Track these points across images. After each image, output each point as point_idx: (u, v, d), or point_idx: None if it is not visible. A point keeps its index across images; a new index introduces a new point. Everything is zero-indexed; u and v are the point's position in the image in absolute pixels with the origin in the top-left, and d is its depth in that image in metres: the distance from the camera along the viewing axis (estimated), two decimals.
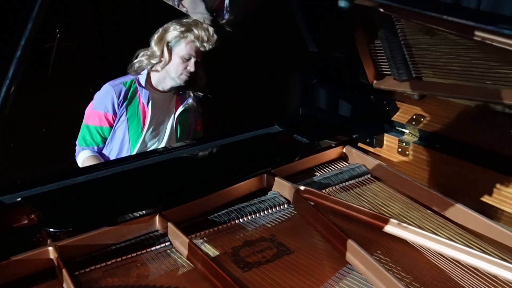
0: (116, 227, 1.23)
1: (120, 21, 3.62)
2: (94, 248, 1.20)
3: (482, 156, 1.45)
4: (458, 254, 1.17)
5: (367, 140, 1.74)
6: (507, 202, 1.40)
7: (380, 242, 1.25)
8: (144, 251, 1.22)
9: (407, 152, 1.65)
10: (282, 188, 1.46)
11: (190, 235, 1.24)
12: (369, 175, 1.57)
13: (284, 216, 1.38)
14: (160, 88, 2.16)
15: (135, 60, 2.14)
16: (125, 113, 2.09)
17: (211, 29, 2.05)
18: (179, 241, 1.22)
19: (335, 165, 1.65)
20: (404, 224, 1.26)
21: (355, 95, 1.86)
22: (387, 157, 1.72)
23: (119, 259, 1.19)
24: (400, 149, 1.68)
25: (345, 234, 1.20)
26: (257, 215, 1.38)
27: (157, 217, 1.29)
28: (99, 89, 2.12)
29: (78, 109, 2.18)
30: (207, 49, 2.08)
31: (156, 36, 2.10)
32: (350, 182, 1.54)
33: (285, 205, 1.42)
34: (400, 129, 1.71)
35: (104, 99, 2.08)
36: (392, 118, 1.73)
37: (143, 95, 2.11)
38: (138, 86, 2.11)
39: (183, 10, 1.91)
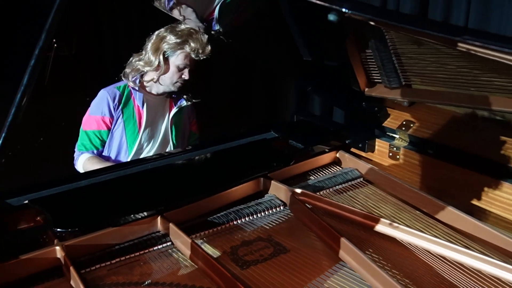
0: (120, 228, 1.28)
1: (117, 31, 3.67)
2: (99, 247, 1.25)
3: (469, 159, 1.52)
4: (444, 251, 1.23)
5: (360, 145, 1.80)
6: (493, 204, 1.47)
7: (372, 241, 1.31)
8: (147, 250, 1.27)
9: (398, 157, 1.72)
10: (278, 191, 1.52)
11: (190, 235, 1.29)
12: (361, 179, 1.64)
13: (280, 218, 1.44)
14: (154, 92, 2.21)
15: (130, 67, 2.19)
16: (121, 116, 2.14)
17: (205, 39, 2.11)
18: (180, 241, 1.27)
19: (329, 169, 1.71)
20: (395, 224, 1.32)
21: (348, 102, 1.92)
22: (379, 161, 1.78)
23: (123, 258, 1.24)
24: (391, 154, 1.74)
25: (339, 233, 1.26)
26: (255, 216, 1.43)
27: (158, 218, 1.34)
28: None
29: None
30: (201, 58, 2.14)
31: (151, 44, 2.15)
32: (344, 185, 1.60)
33: (281, 207, 1.48)
34: (391, 134, 1.77)
35: (100, 104, 2.13)
36: (383, 124, 1.80)
37: (137, 97, 2.17)
38: (132, 90, 2.17)
39: (178, 17, 1.95)
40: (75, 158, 2.18)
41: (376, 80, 1.74)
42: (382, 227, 1.34)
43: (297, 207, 1.44)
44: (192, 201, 1.40)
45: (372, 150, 1.80)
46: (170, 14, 1.91)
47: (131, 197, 1.44)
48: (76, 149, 2.17)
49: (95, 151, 2.15)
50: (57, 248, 1.19)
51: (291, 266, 1.22)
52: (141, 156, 2.19)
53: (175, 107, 2.25)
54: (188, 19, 1.94)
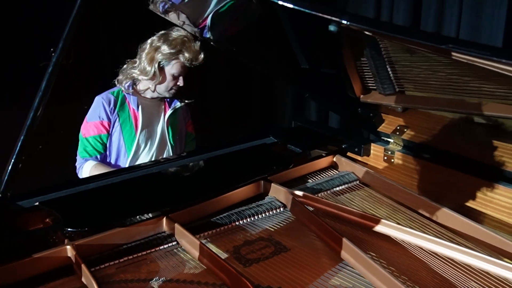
0: (127, 228, 1.34)
1: (115, 40, 3.72)
2: (107, 247, 1.30)
3: (461, 162, 1.58)
4: (437, 248, 1.30)
5: (356, 150, 1.86)
6: (487, 205, 1.52)
7: (369, 240, 1.37)
8: (153, 249, 1.32)
9: (392, 160, 1.78)
10: (278, 193, 1.58)
11: (195, 235, 1.34)
12: (357, 181, 1.70)
13: (280, 219, 1.50)
14: (148, 96, 2.29)
15: (124, 75, 2.25)
16: (117, 119, 2.21)
17: (198, 47, 2.20)
18: (186, 240, 1.33)
19: (327, 172, 1.77)
20: (390, 223, 1.38)
21: (344, 108, 1.98)
22: (374, 165, 1.84)
23: (131, 257, 1.29)
24: (385, 157, 1.81)
25: (338, 233, 1.32)
26: (256, 217, 1.49)
27: (164, 219, 1.40)
28: None
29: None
30: (197, 64, 2.23)
31: (145, 53, 2.21)
32: (341, 187, 1.66)
33: (281, 209, 1.54)
34: (386, 139, 1.83)
35: (96, 110, 2.20)
36: (378, 129, 1.85)
37: (131, 101, 2.24)
38: (125, 94, 2.24)
39: (174, 21, 1.99)
40: (78, 167, 2.22)
41: (371, 87, 1.80)
42: (378, 226, 1.40)
43: (296, 208, 1.50)
44: (196, 203, 1.46)
45: (368, 154, 1.86)
46: (165, 17, 1.95)
47: (138, 199, 1.50)
48: (78, 157, 2.22)
49: (98, 156, 2.20)
50: (68, 247, 1.24)
51: (292, 263, 1.27)
52: (140, 158, 2.26)
53: (169, 109, 2.32)
54: (185, 25, 1.98)
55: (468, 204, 1.55)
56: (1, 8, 2.79)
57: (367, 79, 1.79)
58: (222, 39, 1.98)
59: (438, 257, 1.28)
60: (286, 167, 1.69)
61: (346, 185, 1.68)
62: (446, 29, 2.71)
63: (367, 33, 1.45)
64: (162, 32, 2.24)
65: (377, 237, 1.39)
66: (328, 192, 1.63)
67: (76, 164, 2.23)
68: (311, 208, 1.49)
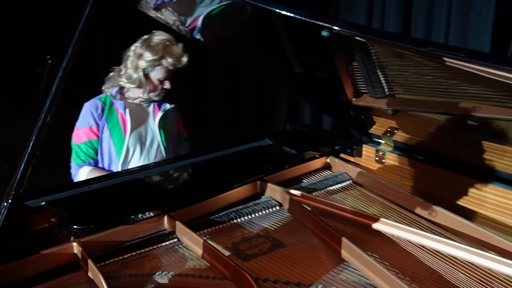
0: (130, 226, 1.40)
1: (112, 46, 3.78)
2: (112, 244, 1.35)
3: (450, 162, 1.65)
4: (427, 242, 1.36)
5: (348, 151, 1.93)
6: (476, 203, 1.58)
7: (362, 236, 1.43)
8: (156, 246, 1.38)
9: (383, 161, 1.85)
10: (274, 192, 1.64)
11: (195, 232, 1.41)
12: (350, 181, 1.76)
13: (276, 217, 1.56)
14: (136, 100, 2.34)
15: (111, 82, 2.30)
16: (106, 124, 2.25)
17: (180, 50, 2.24)
18: (186, 237, 1.39)
19: (321, 173, 1.84)
20: (382, 219, 1.45)
21: (337, 111, 2.04)
22: (366, 165, 1.91)
23: (134, 253, 1.35)
24: (377, 158, 1.88)
25: (332, 229, 1.38)
26: (253, 215, 1.55)
27: (165, 217, 1.46)
28: None
29: (70, 132, 2.32)
30: (181, 67, 2.28)
31: (129, 61, 2.26)
32: (334, 187, 1.73)
33: (277, 207, 1.60)
34: (377, 140, 1.90)
35: (85, 116, 2.26)
36: (370, 131, 1.92)
37: (119, 105, 2.29)
38: (113, 99, 2.29)
39: (163, 21, 1.99)
40: (73, 173, 2.25)
41: (362, 91, 1.87)
42: (371, 223, 1.47)
43: (292, 206, 1.56)
44: (196, 202, 1.52)
45: (360, 155, 1.93)
46: (155, 17, 1.96)
47: (140, 198, 1.56)
48: (72, 163, 2.26)
49: (91, 162, 2.24)
50: (74, 244, 1.30)
51: (288, 258, 1.33)
52: (131, 161, 2.30)
53: (160, 111, 2.37)
54: (172, 22, 1.98)
55: (456, 202, 1.62)
56: None
57: (359, 83, 1.86)
58: (215, 41, 2.03)
59: (427, 251, 1.35)
60: (282, 168, 1.75)
61: (339, 185, 1.74)
62: (435, 35, 2.79)
63: (358, 38, 1.52)
64: (144, 37, 2.28)
65: (369, 233, 1.45)
66: (322, 191, 1.70)
67: (71, 171, 2.27)
68: (306, 206, 1.56)
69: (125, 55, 2.30)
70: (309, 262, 1.32)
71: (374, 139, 1.91)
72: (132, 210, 1.45)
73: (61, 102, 1.21)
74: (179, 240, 1.41)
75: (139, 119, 2.32)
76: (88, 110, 2.25)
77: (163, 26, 2.02)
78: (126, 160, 2.28)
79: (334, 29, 1.16)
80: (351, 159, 1.93)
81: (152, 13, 1.89)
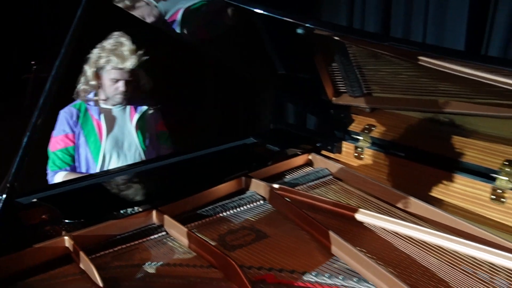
0: (120, 220, 1.46)
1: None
2: (102, 238, 1.41)
3: (423, 156, 1.74)
4: (401, 229, 1.45)
5: (329, 148, 2.01)
6: (446, 193, 1.68)
7: (341, 226, 1.51)
8: (145, 239, 1.44)
9: (362, 156, 1.94)
10: (258, 187, 1.72)
11: (183, 225, 1.47)
12: (331, 176, 1.84)
13: (260, 210, 1.63)
14: (109, 105, 2.36)
15: (78, 87, 2.33)
16: (81, 131, 2.28)
17: (127, 51, 2.24)
18: (174, 230, 1.45)
19: (303, 169, 1.91)
20: (361, 209, 1.53)
21: (318, 110, 2.13)
22: (346, 161, 1.99)
23: (124, 246, 1.40)
24: (356, 154, 1.96)
25: (314, 220, 1.45)
26: (238, 209, 1.62)
27: (154, 212, 1.52)
28: None
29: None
30: (131, 67, 2.27)
31: (87, 65, 2.30)
32: (315, 182, 1.81)
33: (261, 202, 1.67)
34: (356, 137, 1.98)
35: (60, 124, 2.28)
36: (349, 128, 2.00)
37: (93, 111, 2.31)
38: (87, 105, 2.31)
39: (138, 15, 1.98)
40: (49, 180, 2.27)
41: (342, 90, 1.96)
42: (350, 213, 1.55)
43: (275, 200, 1.64)
44: (184, 197, 1.59)
45: (340, 152, 2.01)
46: (130, 11, 1.96)
47: (130, 194, 1.62)
48: (49, 170, 2.28)
49: (68, 168, 2.27)
50: (66, 238, 1.36)
51: (271, 247, 1.41)
52: (109, 166, 2.32)
53: (136, 113, 2.39)
54: (151, 16, 1.98)
55: (428, 192, 1.71)
56: None
57: (338, 82, 1.95)
58: (197, 39, 2.08)
59: (401, 238, 1.43)
60: (265, 165, 1.83)
61: (320, 180, 1.82)
62: (413, 35, 2.90)
63: (336, 38, 1.61)
64: (100, 42, 2.32)
65: (348, 223, 1.53)
66: (304, 186, 1.78)
67: (47, 177, 2.29)
68: (288, 200, 1.63)
69: (85, 59, 2.33)
70: (291, 250, 1.39)
71: (353, 136, 2.00)
72: (122, 205, 1.51)
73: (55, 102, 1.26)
74: (167, 233, 1.48)
75: (115, 124, 2.34)
76: (63, 117, 2.28)
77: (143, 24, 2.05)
78: (103, 166, 2.31)
79: (307, 27, 1.24)
80: (332, 155, 2.01)
81: (128, 9, 1.91)
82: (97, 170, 2.29)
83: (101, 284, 1.18)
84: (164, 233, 1.48)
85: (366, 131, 1.95)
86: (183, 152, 1.94)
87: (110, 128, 2.33)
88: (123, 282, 1.25)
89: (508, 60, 1.94)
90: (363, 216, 1.53)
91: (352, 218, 1.54)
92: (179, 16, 1.94)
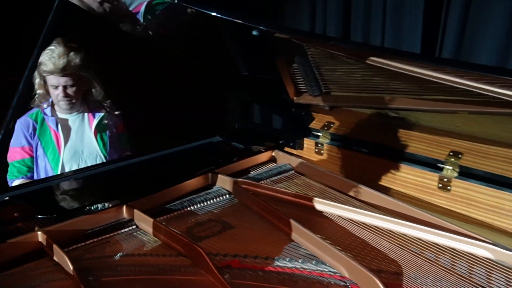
0: (91, 216, 1.52)
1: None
2: (74, 232, 1.47)
3: (376, 149, 1.88)
4: (356, 216, 1.57)
5: (291, 144, 2.12)
6: (395, 182, 1.83)
7: (302, 215, 1.61)
8: (116, 233, 1.50)
9: (322, 152, 2.05)
10: (224, 182, 1.80)
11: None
12: (293, 171, 1.95)
13: (226, 204, 1.72)
14: (64, 113, 2.34)
15: (34, 97, 2.30)
16: (39, 143, 2.27)
17: (56, 55, 2.18)
18: (144, 222, 1.53)
19: (267, 165, 2.01)
20: (318, 199, 1.64)
21: (280, 109, 2.24)
22: (307, 156, 2.10)
23: (96, 239, 1.46)
24: (316, 150, 2.08)
25: (276, 210, 1.55)
26: (205, 203, 1.70)
27: (124, 207, 1.59)
28: None
29: None
30: (64, 71, 2.21)
31: (35, 73, 2.26)
32: (278, 176, 1.90)
33: (227, 196, 1.76)
34: (316, 133, 2.10)
35: (17, 135, 2.25)
36: (309, 126, 2.12)
37: (50, 122, 2.29)
38: (44, 115, 2.29)
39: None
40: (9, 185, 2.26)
41: (302, 90, 2.07)
42: (309, 203, 1.66)
43: (240, 193, 1.73)
44: (153, 193, 1.66)
45: (302, 148, 2.12)
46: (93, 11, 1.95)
47: (101, 191, 1.68)
48: (8, 179, 2.27)
49: (25, 178, 2.27)
50: (39, 233, 1.41)
51: (237, 237, 1.50)
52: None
53: (95, 119, 2.38)
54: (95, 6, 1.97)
55: (383, 183, 1.84)
56: None
57: (299, 83, 2.06)
58: (160, 35, 2.14)
59: (356, 224, 1.55)
60: (230, 161, 1.92)
61: (283, 175, 1.92)
62: (372, 39, 3.06)
63: (295, 41, 1.73)
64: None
65: (308, 212, 1.64)
66: (268, 180, 1.87)
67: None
68: (252, 193, 1.73)
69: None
70: (255, 239, 1.48)
71: (313, 133, 2.12)
72: (93, 201, 1.58)
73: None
74: (137, 227, 1.55)
75: (73, 133, 2.34)
76: (20, 129, 2.25)
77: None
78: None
79: (260, 28, 1.35)
80: (294, 151, 2.12)
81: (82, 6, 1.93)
82: None
83: (74, 274, 1.25)
84: (134, 226, 1.55)
85: (325, 128, 2.07)
86: (151, 150, 2.01)
87: (68, 138, 2.32)
88: (95, 272, 1.32)
89: (448, 60, 2.10)
90: (321, 205, 1.64)
91: (311, 207, 1.65)
92: (142, 8, 2.00)
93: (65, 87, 2.26)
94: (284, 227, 1.51)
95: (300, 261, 1.36)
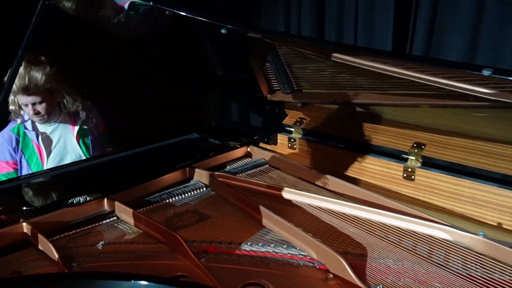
0: (74, 208, 1.60)
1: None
2: (58, 224, 1.54)
3: (345, 142, 1.98)
4: (326, 204, 1.67)
5: (265, 140, 2.21)
6: (363, 173, 1.94)
7: (274, 205, 1.70)
8: (97, 224, 1.58)
9: (295, 146, 2.16)
10: (201, 176, 1.89)
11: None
12: (267, 165, 2.05)
13: (203, 196, 1.80)
14: (43, 124, 2.36)
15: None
16: (23, 156, 2.31)
17: (24, 79, 2.16)
18: (124, 213, 1.60)
19: (242, 160, 2.11)
20: (290, 189, 1.74)
21: (255, 107, 2.33)
22: (281, 151, 2.20)
23: (78, 230, 1.54)
24: (289, 144, 2.18)
25: (251, 200, 1.64)
26: (183, 196, 1.79)
27: (105, 200, 1.66)
28: None
29: None
30: (27, 92, 2.20)
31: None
32: (253, 170, 2.00)
33: (204, 189, 1.85)
34: (289, 129, 2.20)
35: (1, 150, 2.29)
36: (283, 122, 2.22)
37: (32, 135, 2.33)
38: (25, 130, 2.33)
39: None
40: None
41: (275, 88, 2.16)
42: (281, 193, 1.75)
43: (216, 185, 1.82)
44: (133, 186, 1.74)
45: (275, 143, 2.22)
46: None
47: (83, 185, 1.75)
48: None
49: None
50: (24, 224, 1.48)
51: (213, 226, 1.59)
52: None
53: (76, 125, 2.42)
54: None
55: (351, 174, 1.95)
56: None
57: (272, 81, 2.15)
58: (140, 34, 2.20)
59: (325, 211, 1.65)
60: (207, 156, 2.01)
61: (257, 169, 2.02)
62: (345, 38, 3.17)
63: (266, 40, 1.82)
64: None
65: (280, 202, 1.73)
66: (243, 174, 1.96)
67: None
68: (228, 186, 1.81)
69: None
70: (230, 227, 1.57)
71: (286, 128, 2.22)
72: (75, 195, 1.65)
73: None
74: (118, 218, 1.62)
75: (55, 142, 2.37)
76: (3, 143, 2.29)
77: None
78: None
79: (228, 27, 1.45)
80: (268, 147, 2.21)
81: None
82: None
83: (58, 260, 1.32)
84: (115, 218, 1.62)
85: (298, 124, 2.17)
86: (133, 146, 2.09)
87: (50, 148, 2.36)
88: (78, 259, 1.39)
89: (408, 55, 2.22)
90: (293, 195, 1.73)
91: (283, 197, 1.75)
92: (126, 5, 2.06)
93: (34, 104, 2.26)
94: (257, 215, 1.60)
95: (272, 245, 1.45)
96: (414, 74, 1.52)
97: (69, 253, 1.42)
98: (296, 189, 1.80)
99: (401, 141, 1.86)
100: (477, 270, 1.32)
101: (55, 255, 1.34)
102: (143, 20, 2.13)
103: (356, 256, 1.41)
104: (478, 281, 1.28)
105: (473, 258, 1.37)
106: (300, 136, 2.16)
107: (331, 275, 1.31)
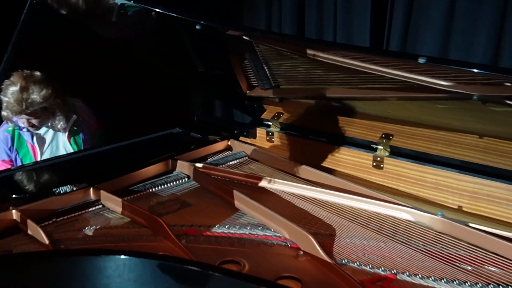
0: (61, 197, 1.69)
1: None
2: (46, 212, 1.63)
3: (320, 135, 2.10)
4: (302, 191, 1.78)
5: (245, 134, 2.32)
6: (336, 163, 2.05)
7: (253, 193, 1.81)
8: (84, 211, 1.67)
9: (273, 139, 2.26)
10: (183, 168, 1.99)
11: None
12: (246, 157, 2.15)
13: (185, 186, 1.90)
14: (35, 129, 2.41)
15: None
16: (17, 154, 2.40)
17: (15, 92, 2.21)
18: (110, 201, 1.69)
19: (223, 153, 2.21)
20: (267, 177, 1.85)
21: (235, 102, 2.44)
22: (260, 144, 2.30)
23: (65, 217, 1.63)
24: (268, 138, 2.28)
25: (230, 188, 1.75)
26: (166, 186, 1.88)
27: (91, 189, 1.75)
28: None
29: None
30: (24, 112, 2.26)
31: None
32: (233, 162, 2.10)
33: (186, 179, 1.94)
34: (267, 123, 2.30)
35: None
36: (261, 117, 2.33)
37: (26, 135, 2.42)
38: (20, 132, 2.41)
39: None
40: None
41: (254, 84, 2.27)
42: (259, 182, 1.86)
43: (197, 176, 1.92)
44: (117, 177, 1.83)
45: (255, 137, 2.33)
46: None
47: (70, 175, 1.84)
48: None
49: None
50: (14, 211, 1.57)
51: (194, 212, 1.69)
52: None
53: (67, 125, 2.48)
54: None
55: (324, 164, 2.06)
56: None
57: (251, 77, 2.25)
58: (127, 33, 2.29)
59: (299, 198, 1.76)
60: (189, 149, 2.11)
61: (237, 160, 2.12)
62: (325, 35, 3.29)
63: (244, 37, 1.93)
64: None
65: (257, 190, 1.84)
66: (224, 166, 2.07)
67: None
68: (208, 176, 1.92)
69: None
70: (209, 212, 1.68)
71: (265, 122, 2.32)
72: (63, 184, 1.74)
73: None
74: (103, 206, 1.71)
75: (48, 142, 2.45)
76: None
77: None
78: None
79: (201, 23, 1.56)
80: (248, 140, 2.32)
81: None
82: None
83: (47, 242, 1.41)
84: (100, 206, 1.71)
85: (275, 118, 2.28)
86: (117, 140, 2.19)
87: (44, 148, 2.44)
88: (65, 242, 1.48)
89: (376, 49, 2.34)
90: (269, 184, 1.84)
91: (260, 186, 1.85)
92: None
93: (28, 119, 2.32)
94: (236, 202, 1.70)
95: (248, 228, 1.56)
96: (379, 68, 1.64)
97: (57, 237, 1.51)
98: (273, 178, 1.91)
99: (370, 132, 1.98)
100: (436, 246, 1.44)
101: (44, 238, 1.43)
102: (129, 20, 2.23)
103: (326, 236, 1.52)
104: (435, 255, 1.40)
105: (432, 236, 1.49)
106: (278, 129, 2.27)
107: (302, 252, 1.42)
